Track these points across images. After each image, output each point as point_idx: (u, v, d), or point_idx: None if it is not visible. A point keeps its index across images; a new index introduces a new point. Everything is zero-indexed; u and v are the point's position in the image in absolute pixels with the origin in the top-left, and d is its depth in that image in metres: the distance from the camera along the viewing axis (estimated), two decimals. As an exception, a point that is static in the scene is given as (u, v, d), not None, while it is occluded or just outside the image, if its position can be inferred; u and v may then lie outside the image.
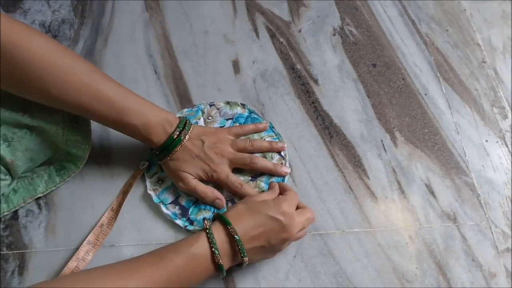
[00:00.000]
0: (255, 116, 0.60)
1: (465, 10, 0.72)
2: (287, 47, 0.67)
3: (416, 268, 0.52)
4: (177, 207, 0.53)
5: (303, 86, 0.64)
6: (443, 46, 0.68)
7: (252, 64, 0.65)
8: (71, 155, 0.55)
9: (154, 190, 0.55)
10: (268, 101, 0.62)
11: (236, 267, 0.48)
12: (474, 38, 0.69)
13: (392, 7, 0.71)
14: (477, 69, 0.66)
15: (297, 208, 0.49)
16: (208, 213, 0.53)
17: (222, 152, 0.53)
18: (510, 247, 0.53)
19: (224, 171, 0.53)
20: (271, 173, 0.55)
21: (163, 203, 0.54)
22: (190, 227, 0.52)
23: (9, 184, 0.52)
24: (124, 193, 0.54)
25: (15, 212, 0.54)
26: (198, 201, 0.54)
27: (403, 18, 0.70)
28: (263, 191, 0.54)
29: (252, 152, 0.55)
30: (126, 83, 0.63)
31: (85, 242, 0.51)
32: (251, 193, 0.52)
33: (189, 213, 0.53)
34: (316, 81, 0.64)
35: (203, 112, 0.60)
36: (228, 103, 0.61)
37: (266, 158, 0.56)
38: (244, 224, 0.45)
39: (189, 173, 0.52)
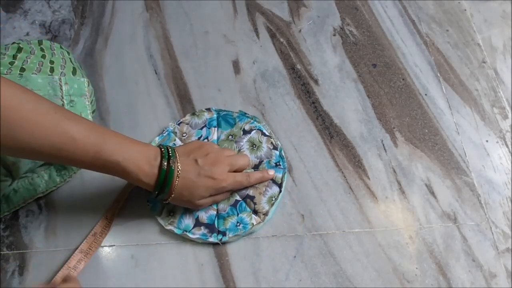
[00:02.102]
0: (224, 113, 0.60)
1: (465, 10, 0.72)
2: (287, 47, 0.67)
3: (416, 268, 0.52)
4: (202, 227, 0.52)
5: (303, 86, 0.64)
6: (443, 46, 0.68)
7: (252, 64, 0.65)
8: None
9: (171, 223, 0.53)
10: (268, 101, 0.62)
11: (239, 266, 0.48)
12: (475, 38, 0.69)
13: (392, 7, 0.71)
14: (478, 69, 0.66)
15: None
16: (233, 219, 0.53)
17: (217, 158, 0.51)
18: (510, 247, 0.53)
19: (230, 175, 0.51)
20: (276, 163, 0.57)
21: (186, 231, 0.52)
22: (225, 238, 0.52)
23: (10, 185, 0.52)
24: (119, 201, 0.54)
25: (15, 212, 0.54)
26: (218, 211, 0.53)
27: (403, 18, 0.70)
28: None
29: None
30: (126, 83, 0.64)
31: (77, 250, 0.51)
32: (259, 176, 0.54)
33: (217, 226, 0.53)
34: (316, 81, 0.64)
35: (175, 133, 0.59)
36: (193, 114, 0.60)
37: (255, 145, 0.57)
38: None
39: (201, 196, 0.49)
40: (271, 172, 0.55)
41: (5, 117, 0.37)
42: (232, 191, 0.54)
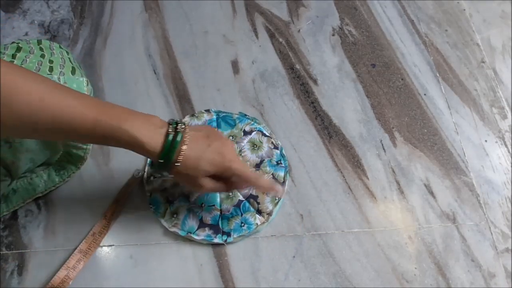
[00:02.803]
0: (224, 114, 0.60)
1: (464, 10, 0.72)
2: (286, 47, 0.67)
3: (416, 268, 0.52)
4: (206, 228, 0.52)
5: (302, 86, 0.64)
6: (442, 46, 0.68)
7: (252, 64, 0.65)
8: (71, 155, 0.55)
9: (175, 225, 0.52)
10: (267, 101, 0.62)
11: (238, 266, 0.48)
12: (474, 38, 0.69)
13: (391, 7, 0.71)
14: (477, 69, 0.66)
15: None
16: (237, 219, 0.53)
17: (228, 142, 0.48)
18: (509, 247, 0.53)
19: (239, 160, 0.47)
20: (277, 161, 0.56)
21: (191, 233, 0.52)
22: (230, 239, 0.52)
23: (9, 185, 0.52)
24: (118, 201, 0.54)
25: (15, 212, 0.54)
26: (222, 212, 0.53)
27: (402, 18, 0.70)
28: (272, 174, 0.55)
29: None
30: (125, 83, 0.64)
31: (76, 250, 0.51)
32: (266, 186, 0.49)
33: (221, 227, 0.52)
34: (315, 81, 0.64)
35: None
36: (192, 115, 0.60)
37: (256, 145, 0.57)
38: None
39: (206, 171, 0.45)
40: (280, 189, 0.52)
41: (8, 93, 0.37)
42: (233, 190, 0.54)
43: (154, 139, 0.42)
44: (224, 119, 0.59)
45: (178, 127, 0.44)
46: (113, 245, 0.52)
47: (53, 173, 0.55)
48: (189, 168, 0.44)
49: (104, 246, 0.52)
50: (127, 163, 0.57)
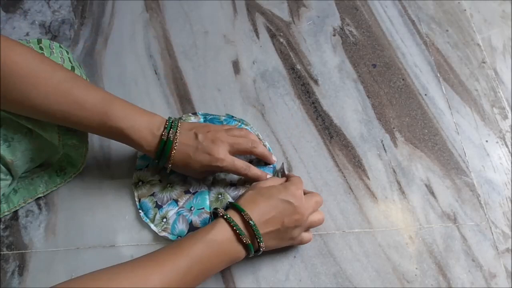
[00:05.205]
0: (211, 116, 0.60)
1: (465, 10, 0.72)
2: (287, 47, 0.67)
3: (416, 268, 0.52)
4: None
5: (303, 86, 0.64)
6: (443, 47, 0.68)
7: (252, 64, 0.65)
8: (72, 156, 0.55)
9: (165, 230, 0.52)
10: (268, 102, 0.62)
11: (239, 266, 0.48)
12: (474, 39, 0.69)
13: (392, 7, 0.71)
14: (477, 69, 0.66)
15: (304, 193, 0.50)
16: None
17: (219, 138, 0.50)
18: (510, 248, 0.53)
19: (228, 157, 0.50)
20: (265, 162, 0.56)
21: (181, 237, 0.51)
22: None
23: (10, 184, 0.52)
24: None
25: (15, 212, 0.54)
26: (211, 215, 0.53)
27: (403, 18, 0.70)
28: None
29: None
30: (126, 83, 0.64)
31: None
32: (258, 174, 0.52)
33: None
34: (316, 82, 0.64)
35: None
36: (180, 118, 0.59)
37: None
38: (258, 209, 0.45)
39: (196, 172, 0.51)
40: (269, 176, 0.54)
41: (22, 81, 0.43)
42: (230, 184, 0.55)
43: (151, 144, 0.48)
44: (212, 121, 0.59)
45: (171, 131, 0.49)
46: (114, 245, 0.52)
47: (54, 174, 0.55)
48: (179, 168, 0.51)
49: (105, 246, 0.52)
50: (127, 164, 0.57)
